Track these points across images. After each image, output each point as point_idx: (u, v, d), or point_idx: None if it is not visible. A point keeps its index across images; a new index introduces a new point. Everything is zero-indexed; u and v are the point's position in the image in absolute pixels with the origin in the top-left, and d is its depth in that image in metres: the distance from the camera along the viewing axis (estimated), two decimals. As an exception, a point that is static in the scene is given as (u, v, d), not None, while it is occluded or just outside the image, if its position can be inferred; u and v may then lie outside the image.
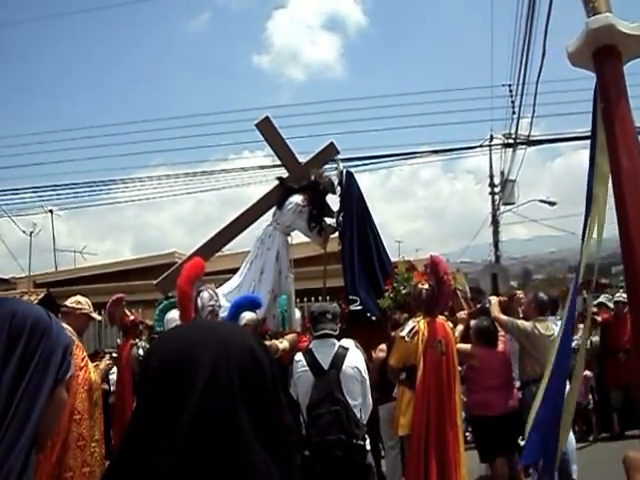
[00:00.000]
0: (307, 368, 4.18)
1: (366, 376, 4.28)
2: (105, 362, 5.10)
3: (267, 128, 6.85)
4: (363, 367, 4.27)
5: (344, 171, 6.89)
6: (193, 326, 1.11)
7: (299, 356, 4.30)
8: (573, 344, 8.87)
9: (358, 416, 4.10)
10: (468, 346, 5.59)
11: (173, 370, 0.95)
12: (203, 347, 0.97)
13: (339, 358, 4.17)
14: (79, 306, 4.52)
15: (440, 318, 5.17)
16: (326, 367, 4.15)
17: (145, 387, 0.99)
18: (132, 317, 6.68)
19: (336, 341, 4.30)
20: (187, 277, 5.13)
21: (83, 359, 4.34)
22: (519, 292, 6.38)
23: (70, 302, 4.54)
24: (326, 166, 7.14)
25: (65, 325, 4.31)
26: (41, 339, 1.06)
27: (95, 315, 4.81)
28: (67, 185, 15.28)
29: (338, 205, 6.70)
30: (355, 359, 4.24)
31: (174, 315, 6.28)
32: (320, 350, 4.25)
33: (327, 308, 4.54)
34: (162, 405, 0.94)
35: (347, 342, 4.38)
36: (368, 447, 4.20)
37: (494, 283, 12.52)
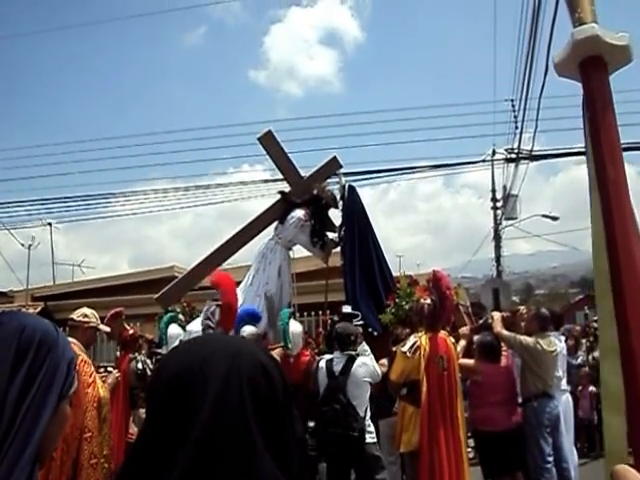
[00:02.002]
0: (325, 373, 5.09)
1: (373, 372, 5.10)
2: (113, 376, 5.05)
3: (269, 142, 6.86)
4: (367, 369, 5.06)
5: (346, 185, 6.89)
6: (203, 340, 1.10)
7: (322, 363, 5.19)
8: (578, 360, 8.83)
9: (359, 411, 4.92)
10: (471, 361, 5.55)
11: (184, 384, 0.94)
12: (214, 361, 0.96)
13: (348, 366, 5.02)
14: (86, 319, 4.43)
15: (442, 333, 5.14)
16: (337, 374, 5.01)
17: (155, 400, 0.98)
18: (131, 331, 6.64)
19: (352, 353, 5.13)
20: (232, 290, 5.13)
21: (91, 375, 4.26)
22: (522, 307, 6.35)
23: (77, 315, 4.45)
24: (328, 180, 7.14)
25: (73, 339, 4.27)
26: (48, 353, 1.06)
27: (103, 327, 4.72)
28: (66, 198, 15.32)
29: (340, 219, 6.69)
30: (361, 364, 5.05)
31: (174, 331, 6.25)
32: (337, 360, 5.12)
33: (350, 330, 5.28)
34: (173, 419, 0.93)
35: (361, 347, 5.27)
36: (370, 440, 4.96)
37: (496, 298, 12.47)
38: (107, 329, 4.95)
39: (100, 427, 4.25)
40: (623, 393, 2.28)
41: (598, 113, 2.36)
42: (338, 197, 6.74)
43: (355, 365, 5.03)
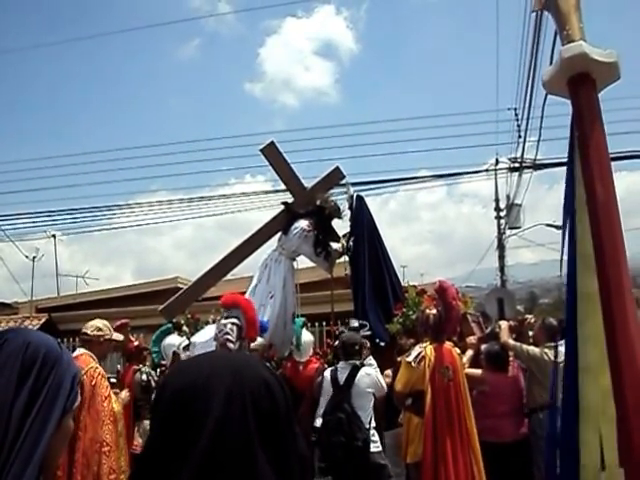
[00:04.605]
0: (330, 382, 5.17)
1: (377, 384, 5.17)
2: (126, 394, 5.06)
3: (272, 153, 6.88)
4: (372, 380, 5.15)
5: (354, 195, 6.91)
6: (208, 357, 1.12)
7: (327, 372, 5.29)
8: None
9: (365, 422, 4.97)
10: (478, 371, 5.51)
11: (188, 400, 0.96)
12: (217, 378, 0.98)
13: (352, 375, 5.10)
14: (101, 333, 4.41)
15: (447, 344, 5.12)
16: (341, 383, 5.09)
17: (160, 416, 1.00)
18: (136, 342, 6.65)
19: (356, 362, 5.20)
20: (252, 306, 5.20)
21: (107, 388, 4.26)
22: (529, 316, 6.29)
23: (91, 330, 4.40)
24: (336, 190, 7.18)
25: (88, 352, 4.25)
26: (52, 369, 1.09)
27: (116, 336, 4.69)
28: (70, 210, 15.34)
29: (349, 229, 6.71)
30: (365, 375, 5.13)
31: (171, 341, 6.25)
32: (341, 370, 5.20)
33: (355, 340, 5.40)
34: (176, 434, 0.94)
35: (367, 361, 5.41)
36: (374, 449, 4.99)
37: (500, 308, 12.40)
38: (121, 337, 4.91)
39: (117, 441, 4.23)
40: (600, 410, 2.28)
41: (587, 131, 2.37)
42: (346, 207, 6.78)
43: (359, 375, 5.13)
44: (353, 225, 6.70)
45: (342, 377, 5.15)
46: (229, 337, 4.77)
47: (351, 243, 6.58)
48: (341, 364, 5.28)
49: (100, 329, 4.43)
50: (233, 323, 4.87)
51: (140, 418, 6.00)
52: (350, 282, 6.68)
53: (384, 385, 5.26)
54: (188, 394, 0.96)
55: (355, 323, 6.13)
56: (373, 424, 5.13)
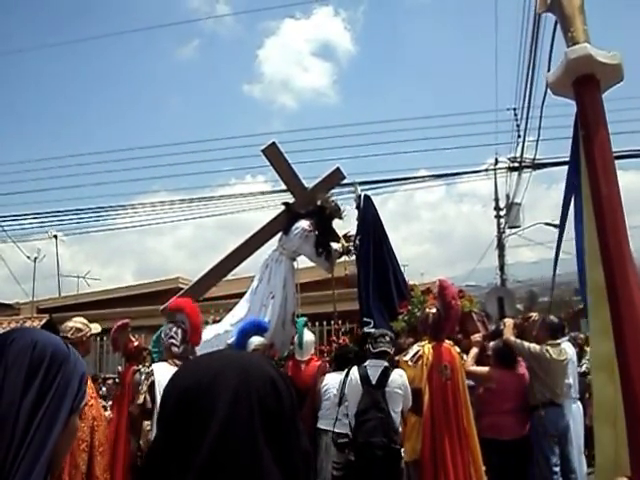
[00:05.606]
0: (359, 381, 4.89)
1: (408, 390, 4.91)
2: (109, 413, 5.09)
3: (273, 154, 6.89)
4: (404, 382, 4.89)
5: (362, 194, 6.95)
6: (214, 356, 1.12)
7: (354, 370, 5.00)
8: (583, 368, 8.81)
9: (397, 424, 4.78)
10: (485, 368, 5.51)
11: (194, 399, 0.96)
12: (224, 377, 0.98)
13: (385, 375, 4.86)
14: (81, 334, 4.37)
15: (447, 343, 5.13)
16: (374, 382, 4.84)
17: (166, 415, 1.00)
18: (136, 343, 6.64)
19: (386, 362, 4.97)
20: (197, 312, 5.27)
21: (92, 390, 4.25)
22: (534, 314, 6.29)
23: (71, 333, 4.33)
24: (344, 189, 7.22)
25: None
26: (59, 368, 1.08)
27: (94, 329, 4.60)
28: (70, 211, 15.34)
29: (356, 228, 6.74)
30: (398, 376, 4.90)
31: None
32: (372, 368, 4.93)
33: (386, 332, 5.28)
34: (183, 433, 0.95)
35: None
36: (403, 454, 4.82)
37: (500, 307, 12.42)
38: (99, 328, 4.80)
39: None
40: (615, 405, 2.30)
41: (591, 130, 2.41)
42: (354, 206, 6.82)
43: (392, 375, 4.89)
44: (360, 224, 6.73)
45: (374, 375, 4.88)
46: (173, 341, 4.91)
47: (357, 242, 6.62)
48: (370, 362, 5.02)
49: (79, 329, 4.38)
50: (178, 327, 5.01)
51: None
52: (356, 280, 6.70)
53: (410, 398, 4.96)
54: (194, 393, 0.97)
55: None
56: (400, 428, 4.93)
